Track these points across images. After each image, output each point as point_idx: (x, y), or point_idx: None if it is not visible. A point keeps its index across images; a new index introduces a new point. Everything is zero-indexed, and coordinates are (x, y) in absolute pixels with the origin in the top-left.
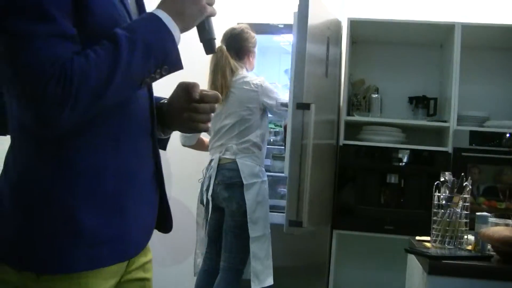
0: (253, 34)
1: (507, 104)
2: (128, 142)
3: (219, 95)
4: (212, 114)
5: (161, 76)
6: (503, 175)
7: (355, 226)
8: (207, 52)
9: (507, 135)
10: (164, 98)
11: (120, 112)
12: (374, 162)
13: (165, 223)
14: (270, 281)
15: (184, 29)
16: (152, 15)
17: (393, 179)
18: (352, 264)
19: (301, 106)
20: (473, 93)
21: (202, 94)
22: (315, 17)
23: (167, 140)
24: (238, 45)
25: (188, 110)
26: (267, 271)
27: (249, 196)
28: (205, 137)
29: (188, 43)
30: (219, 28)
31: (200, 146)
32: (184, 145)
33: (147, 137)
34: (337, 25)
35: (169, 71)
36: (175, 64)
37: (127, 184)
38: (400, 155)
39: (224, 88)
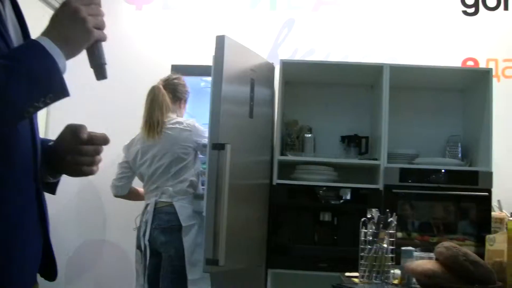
0: (187, 87)
1: (435, 141)
2: (7, 185)
3: (107, 137)
4: (98, 157)
5: (46, 105)
6: (434, 210)
7: (289, 264)
8: (98, 78)
9: (441, 171)
10: (51, 140)
11: None
12: (307, 201)
13: (49, 271)
14: None
15: (70, 55)
16: (34, 42)
17: (326, 217)
18: None
19: (217, 147)
20: (403, 132)
21: (90, 135)
22: (234, 60)
23: (56, 183)
24: (173, 90)
25: (72, 152)
26: None
27: (187, 238)
28: (139, 187)
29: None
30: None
31: (134, 195)
32: (116, 196)
33: (29, 181)
34: (266, 67)
35: (54, 99)
36: (60, 92)
37: (9, 228)
38: (332, 194)
39: (161, 123)
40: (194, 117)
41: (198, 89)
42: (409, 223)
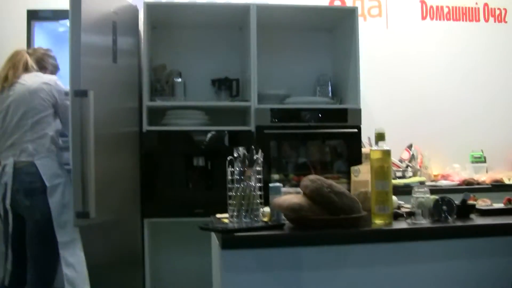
0: (56, 61)
1: (305, 81)
2: None
3: None
4: None
5: None
6: (308, 150)
7: (165, 213)
8: None
9: (311, 110)
10: None
11: None
12: (179, 147)
13: None
14: (86, 287)
15: None
16: None
17: (200, 162)
18: (166, 250)
19: (79, 93)
20: (273, 73)
21: None
22: (93, 2)
23: None
24: (39, 58)
25: None
26: (81, 276)
27: (54, 199)
28: None
29: None
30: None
31: None
32: None
33: None
34: (130, 10)
35: None
36: None
37: None
38: (205, 138)
39: (10, 79)
40: (60, 68)
41: (57, 34)
42: (285, 164)
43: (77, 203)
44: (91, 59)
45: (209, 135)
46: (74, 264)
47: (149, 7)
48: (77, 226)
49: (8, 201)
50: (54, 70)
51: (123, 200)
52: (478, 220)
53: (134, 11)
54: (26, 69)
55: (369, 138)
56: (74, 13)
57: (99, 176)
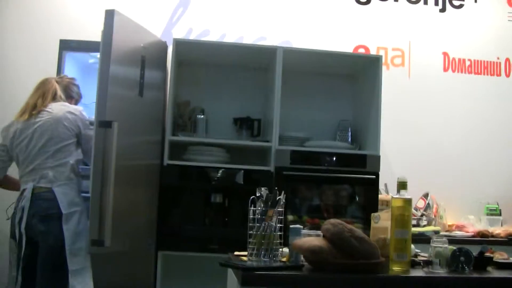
0: (80, 90)
1: (326, 126)
2: None
3: None
4: None
5: None
6: (324, 193)
7: (180, 246)
8: None
9: (331, 154)
10: None
11: None
12: (198, 182)
13: None
14: None
15: None
16: None
17: (217, 198)
18: (178, 285)
19: (103, 124)
20: (295, 115)
21: None
22: (124, 36)
23: None
24: (65, 87)
25: None
26: None
27: (68, 227)
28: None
29: None
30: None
31: (8, 183)
32: None
33: None
34: (159, 45)
35: None
36: None
37: None
38: (224, 175)
39: (39, 107)
40: (83, 96)
41: (87, 65)
42: (300, 206)
43: (93, 230)
44: (118, 91)
45: (228, 172)
46: None
47: (178, 44)
48: (91, 253)
49: (23, 225)
50: (79, 98)
51: (139, 231)
52: (495, 273)
53: (163, 46)
54: (54, 98)
55: (385, 185)
56: (105, 45)
57: (117, 206)
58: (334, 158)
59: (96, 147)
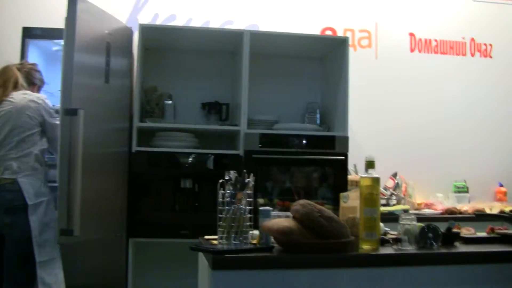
0: (42, 76)
1: (294, 108)
2: None
3: None
4: None
5: None
6: (294, 176)
7: (150, 233)
8: None
9: (299, 136)
10: None
11: None
12: (168, 168)
13: None
14: None
15: None
16: None
17: (187, 184)
18: (151, 271)
19: (69, 112)
20: (263, 99)
21: None
22: (88, 22)
23: None
24: (27, 73)
25: None
26: None
27: (35, 218)
28: None
29: None
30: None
31: None
32: None
33: None
34: (124, 31)
35: None
36: None
37: None
38: (193, 160)
39: (0, 97)
40: (47, 84)
41: (51, 53)
42: (271, 189)
43: (62, 220)
44: (83, 79)
45: (197, 157)
46: (51, 284)
47: (143, 29)
48: (60, 243)
49: None
50: (41, 84)
51: (109, 219)
52: (462, 248)
53: (128, 32)
54: (16, 86)
55: (355, 166)
56: (68, 32)
57: (85, 194)
58: (303, 140)
59: (62, 135)
